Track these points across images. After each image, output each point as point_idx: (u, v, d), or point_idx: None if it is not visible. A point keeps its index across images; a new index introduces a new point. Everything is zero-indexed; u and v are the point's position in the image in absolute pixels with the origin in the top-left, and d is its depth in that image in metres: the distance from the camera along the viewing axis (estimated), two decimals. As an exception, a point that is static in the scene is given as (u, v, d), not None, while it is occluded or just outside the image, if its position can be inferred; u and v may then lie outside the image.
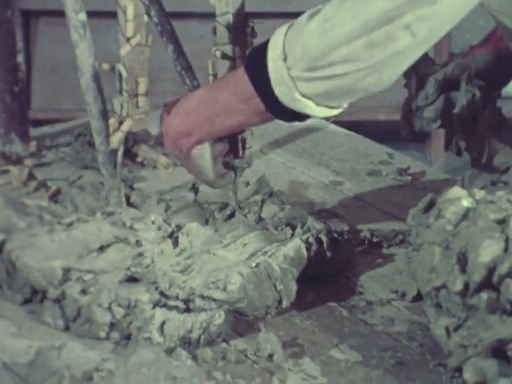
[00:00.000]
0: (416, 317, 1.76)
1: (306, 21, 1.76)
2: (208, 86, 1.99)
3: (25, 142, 2.29)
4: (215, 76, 2.11)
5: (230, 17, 2.03)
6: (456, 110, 1.85)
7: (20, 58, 2.27)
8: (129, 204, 1.94)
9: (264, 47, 1.80)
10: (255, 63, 1.82)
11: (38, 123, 2.77)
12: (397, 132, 3.91)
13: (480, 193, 1.64)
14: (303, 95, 1.76)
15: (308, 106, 1.78)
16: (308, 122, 2.42)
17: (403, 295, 1.79)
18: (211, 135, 1.93)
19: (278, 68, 1.76)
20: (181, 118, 1.94)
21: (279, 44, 1.77)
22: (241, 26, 2.06)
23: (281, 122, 1.98)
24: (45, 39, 4.14)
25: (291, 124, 2.40)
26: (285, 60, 1.75)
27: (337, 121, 2.77)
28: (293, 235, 1.83)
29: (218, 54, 2.07)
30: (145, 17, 2.14)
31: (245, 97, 1.84)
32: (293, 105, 1.78)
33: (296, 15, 4.42)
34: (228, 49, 2.01)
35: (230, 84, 1.89)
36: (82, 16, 2.01)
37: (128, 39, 2.09)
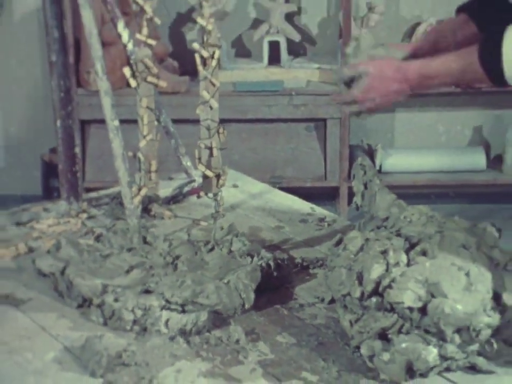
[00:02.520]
0: (331, 313, 1.75)
1: None
2: (441, 64, 1.80)
3: (79, 202, 2.28)
4: (199, 159, 2.11)
5: (209, 122, 2.04)
6: (353, 183, 1.84)
7: (77, 150, 2.27)
8: (145, 242, 1.93)
9: (497, 50, 1.68)
10: (489, 58, 1.70)
11: (89, 190, 2.77)
12: (317, 194, 3.96)
13: (370, 234, 1.65)
14: None
15: None
16: (261, 188, 2.46)
17: (322, 299, 1.78)
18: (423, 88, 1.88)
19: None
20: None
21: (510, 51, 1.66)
22: (216, 127, 2.06)
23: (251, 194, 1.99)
24: (94, 137, 4.15)
25: (251, 189, 2.41)
26: None
27: (280, 187, 2.80)
28: (251, 261, 1.83)
29: (202, 145, 2.08)
30: (156, 122, 2.16)
31: (473, 78, 1.78)
32: None
33: (252, 121, 4.40)
34: (208, 142, 2.01)
35: (461, 69, 1.77)
36: (116, 122, 2.01)
37: (144, 136, 2.09)
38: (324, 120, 4.20)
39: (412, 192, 4.19)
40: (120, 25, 2.12)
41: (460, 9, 2.03)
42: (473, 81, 1.79)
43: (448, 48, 1.97)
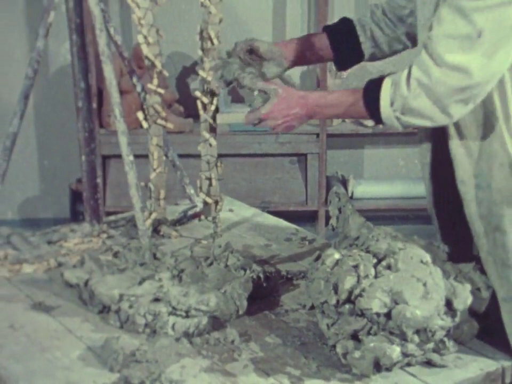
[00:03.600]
0: (311, 318, 1.74)
1: (404, 84, 1.57)
2: (335, 99, 1.74)
3: (100, 224, 2.27)
4: (200, 188, 2.10)
5: (209, 157, 2.03)
6: (329, 208, 1.83)
7: (99, 180, 2.26)
8: (155, 258, 1.92)
9: (376, 95, 1.63)
10: (369, 100, 1.65)
11: (108, 214, 2.75)
12: (300, 217, 3.95)
13: (344, 251, 1.64)
14: (399, 120, 1.62)
15: (395, 124, 1.64)
16: (253, 212, 2.45)
17: (304, 306, 1.75)
18: (317, 116, 1.80)
19: (387, 111, 1.61)
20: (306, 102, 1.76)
21: (387, 97, 1.61)
22: (214, 161, 2.06)
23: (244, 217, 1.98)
24: (113, 169, 4.14)
25: (244, 213, 2.41)
26: (391, 105, 1.60)
27: (269, 211, 2.80)
28: (244, 274, 1.81)
29: (203, 176, 2.08)
30: (164, 157, 2.15)
31: (360, 114, 1.71)
32: (390, 123, 1.64)
33: (245, 155, 4.35)
34: (207, 173, 2.01)
35: (350, 106, 1.71)
36: (131, 157, 2.01)
37: (154, 169, 2.09)
38: (305, 154, 4.20)
39: (378, 215, 4.19)
40: (135, 77, 2.12)
41: (324, 29, 1.99)
42: (361, 117, 1.76)
43: (310, 57, 1.96)
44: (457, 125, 1.69)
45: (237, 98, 4.38)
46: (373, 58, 1.95)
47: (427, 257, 1.58)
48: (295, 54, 1.96)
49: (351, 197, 4.28)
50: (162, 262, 1.88)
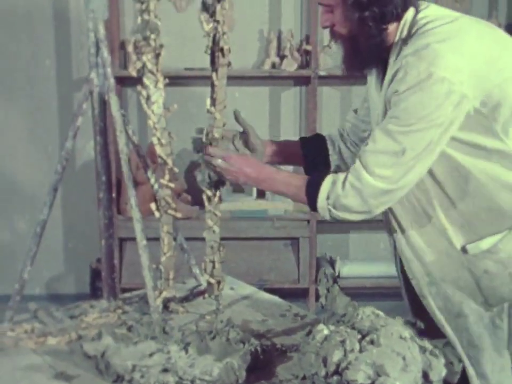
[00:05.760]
0: (303, 387, 1.71)
1: (341, 184, 1.68)
2: (285, 178, 1.82)
3: (116, 301, 2.25)
4: (205, 269, 2.08)
5: (212, 243, 2.01)
6: (319, 288, 1.82)
7: (116, 261, 2.27)
8: (164, 332, 1.89)
9: (317, 187, 1.72)
10: (311, 193, 1.74)
11: (124, 290, 2.73)
12: (292, 294, 3.91)
13: (332, 327, 1.62)
14: (330, 212, 1.71)
15: (326, 215, 1.72)
16: (251, 291, 2.43)
17: (297, 377, 1.72)
18: (264, 185, 1.85)
19: (323, 203, 1.71)
20: (253, 171, 1.84)
21: (325, 192, 1.70)
22: (217, 246, 2.04)
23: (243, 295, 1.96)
24: (129, 251, 4.13)
25: (243, 291, 2.38)
26: (327, 198, 1.69)
27: (265, 288, 2.77)
28: (243, 347, 1.78)
29: (207, 259, 2.06)
30: (173, 242, 2.14)
31: (300, 198, 1.78)
32: (323, 213, 1.72)
33: (244, 239, 4.29)
34: (211, 257, 1.98)
35: (294, 188, 1.79)
36: (144, 242, 2.00)
37: (164, 253, 2.08)
38: (297, 238, 4.20)
39: (362, 292, 4.15)
40: (149, 171, 2.14)
41: (300, 139, 2.10)
42: (299, 200, 1.82)
43: (283, 160, 2.06)
44: (399, 224, 1.75)
45: (237, 188, 4.41)
46: (337, 170, 2.02)
47: (406, 334, 1.56)
48: (272, 154, 2.06)
49: (338, 276, 4.25)
50: (170, 335, 1.85)
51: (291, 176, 1.82)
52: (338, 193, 1.67)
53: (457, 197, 1.67)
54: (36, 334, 2.02)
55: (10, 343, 1.97)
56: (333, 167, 2.03)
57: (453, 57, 1.53)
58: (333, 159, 2.03)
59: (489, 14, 4.22)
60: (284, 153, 2.06)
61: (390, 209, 1.77)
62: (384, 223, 1.87)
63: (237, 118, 2.00)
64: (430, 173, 1.66)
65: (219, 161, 1.86)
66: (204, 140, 1.95)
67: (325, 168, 2.03)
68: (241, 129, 2.03)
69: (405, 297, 1.94)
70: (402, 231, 1.76)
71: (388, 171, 1.60)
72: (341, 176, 1.69)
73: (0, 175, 4.33)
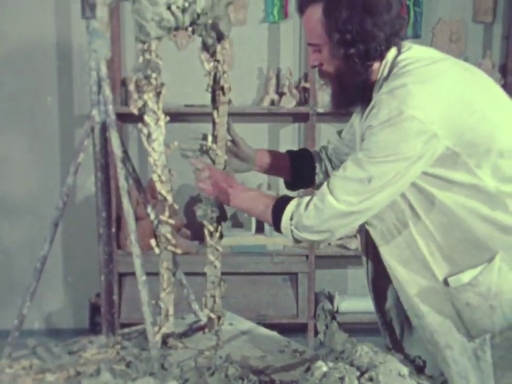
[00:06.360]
0: (302, 424, 1.69)
1: (304, 205, 1.73)
2: (255, 195, 1.91)
3: (115, 336, 2.23)
4: (205, 304, 2.07)
5: (213, 278, 2.00)
6: (317, 324, 1.81)
7: (115, 297, 2.24)
8: (163, 368, 1.88)
9: (283, 207, 1.77)
10: (276, 212, 1.79)
11: (123, 325, 2.71)
12: (291, 329, 3.88)
13: (330, 363, 1.61)
14: (292, 233, 1.76)
15: (289, 236, 1.77)
16: (250, 326, 2.41)
17: (295, 413, 1.72)
18: (234, 201, 1.91)
19: (286, 223, 1.76)
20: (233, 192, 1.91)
21: (289, 212, 1.75)
22: (218, 281, 2.03)
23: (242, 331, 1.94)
24: (129, 286, 4.11)
25: (242, 327, 2.36)
26: (291, 219, 1.74)
27: (264, 323, 2.73)
28: (242, 383, 1.77)
29: (208, 294, 2.05)
30: (172, 278, 2.13)
31: (266, 217, 1.83)
32: (285, 233, 1.77)
33: (244, 274, 4.25)
34: (212, 292, 1.98)
35: (262, 206, 1.85)
36: (143, 277, 1.99)
37: (164, 289, 2.07)
38: (296, 273, 4.19)
39: (360, 327, 4.11)
40: (149, 207, 2.14)
41: (288, 151, 2.18)
42: (264, 219, 1.89)
43: (272, 170, 2.16)
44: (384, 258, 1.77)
45: (236, 223, 4.41)
46: (319, 187, 2.09)
47: (404, 370, 1.55)
48: (262, 164, 2.15)
49: (337, 311, 4.23)
50: (169, 372, 1.83)
51: (260, 195, 1.89)
52: (301, 213, 1.73)
53: (437, 230, 1.71)
54: (34, 370, 2.00)
55: (8, 380, 1.95)
56: (317, 183, 2.12)
57: (425, 97, 1.59)
58: (319, 177, 2.12)
59: (484, 54, 4.26)
60: (272, 164, 2.15)
61: (375, 246, 1.82)
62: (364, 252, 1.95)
63: (228, 128, 2.04)
64: (410, 206, 1.71)
65: (200, 173, 1.96)
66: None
67: (309, 185, 2.14)
68: (230, 139, 2.10)
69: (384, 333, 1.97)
70: (388, 266, 1.79)
71: (352, 197, 1.66)
72: (306, 198, 1.75)
73: (1, 210, 4.33)
